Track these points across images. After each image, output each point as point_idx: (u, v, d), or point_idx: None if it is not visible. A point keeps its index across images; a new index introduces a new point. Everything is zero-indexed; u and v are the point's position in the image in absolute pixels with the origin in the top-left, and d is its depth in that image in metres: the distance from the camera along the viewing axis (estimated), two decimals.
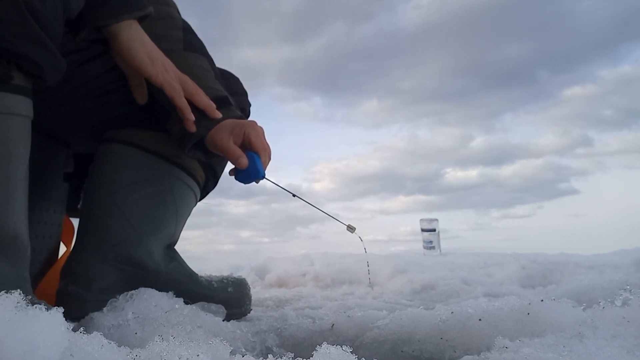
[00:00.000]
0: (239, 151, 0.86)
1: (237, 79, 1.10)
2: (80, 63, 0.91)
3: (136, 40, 0.86)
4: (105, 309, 0.82)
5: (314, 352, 0.50)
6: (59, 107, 0.92)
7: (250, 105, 1.11)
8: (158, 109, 0.98)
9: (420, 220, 2.84)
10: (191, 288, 0.99)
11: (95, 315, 0.79)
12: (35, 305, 0.45)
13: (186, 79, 0.90)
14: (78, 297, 0.90)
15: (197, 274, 1.05)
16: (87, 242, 0.94)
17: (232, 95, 1.04)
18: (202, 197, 1.10)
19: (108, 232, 0.93)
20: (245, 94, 1.10)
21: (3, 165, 0.69)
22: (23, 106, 0.71)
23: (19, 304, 0.45)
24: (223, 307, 0.95)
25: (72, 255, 0.95)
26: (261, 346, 0.75)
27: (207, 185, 1.08)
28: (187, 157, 1.00)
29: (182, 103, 0.88)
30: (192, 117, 0.88)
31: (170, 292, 0.92)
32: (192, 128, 0.89)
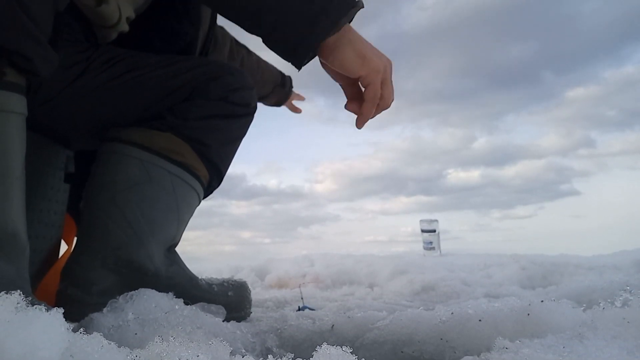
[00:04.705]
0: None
1: (243, 73, 1.07)
2: (81, 72, 0.91)
3: (346, 43, 0.79)
4: (105, 309, 0.82)
5: (314, 352, 0.49)
6: (57, 105, 0.92)
7: (256, 99, 1.10)
8: (160, 108, 0.98)
9: (420, 221, 2.84)
10: (191, 292, 0.99)
11: (95, 315, 0.79)
12: (35, 306, 0.45)
13: (387, 76, 0.84)
14: (77, 299, 0.90)
15: (197, 278, 1.05)
16: (87, 244, 0.94)
17: (237, 89, 1.03)
18: (205, 196, 1.08)
19: (109, 236, 0.93)
20: (251, 87, 1.07)
21: None
22: (17, 103, 0.71)
23: (19, 305, 0.45)
24: (223, 308, 0.95)
25: (72, 258, 0.95)
26: (261, 347, 0.75)
27: (211, 185, 1.07)
28: (190, 156, 0.98)
29: (369, 114, 0.85)
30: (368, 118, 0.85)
31: (170, 293, 0.92)
32: (359, 125, 0.86)
